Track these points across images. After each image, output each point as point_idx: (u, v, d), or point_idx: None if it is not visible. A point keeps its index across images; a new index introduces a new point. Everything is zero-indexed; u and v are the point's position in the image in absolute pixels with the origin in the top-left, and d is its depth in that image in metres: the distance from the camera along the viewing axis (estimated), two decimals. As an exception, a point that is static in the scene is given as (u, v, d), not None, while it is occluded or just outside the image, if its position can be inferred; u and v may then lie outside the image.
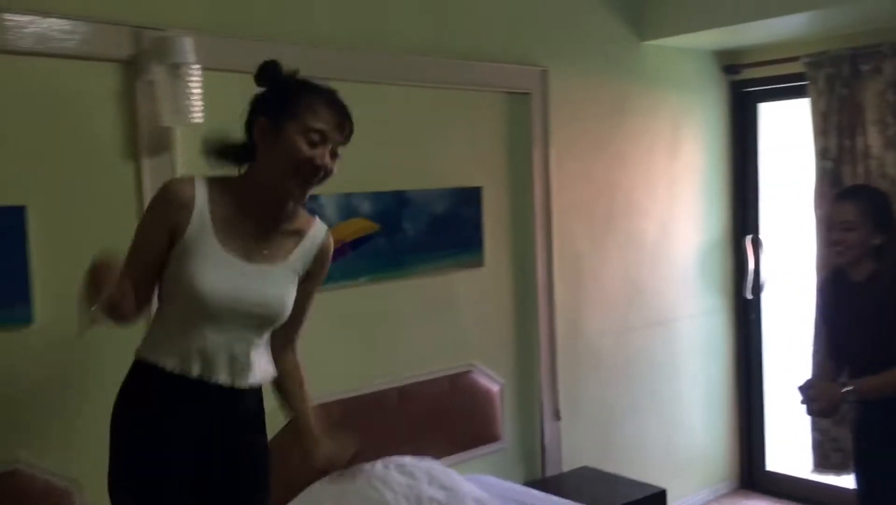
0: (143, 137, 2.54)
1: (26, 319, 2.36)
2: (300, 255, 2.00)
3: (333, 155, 1.90)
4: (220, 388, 1.88)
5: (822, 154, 4.04)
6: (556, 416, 3.74)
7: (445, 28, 3.32)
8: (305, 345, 2.90)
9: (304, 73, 2.08)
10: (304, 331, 2.32)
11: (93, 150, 2.50)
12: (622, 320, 4.06)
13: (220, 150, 1.96)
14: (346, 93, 2.93)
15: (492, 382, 3.53)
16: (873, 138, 3.89)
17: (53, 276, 2.40)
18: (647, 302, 4.17)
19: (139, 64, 2.50)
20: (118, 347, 2.38)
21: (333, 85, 2.84)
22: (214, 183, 1.91)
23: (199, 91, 2.48)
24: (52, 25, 2.38)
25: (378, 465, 3.00)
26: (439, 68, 3.27)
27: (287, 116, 1.85)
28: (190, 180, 1.89)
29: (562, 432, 3.77)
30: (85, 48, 2.44)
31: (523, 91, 3.57)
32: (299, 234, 2.00)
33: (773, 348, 4.63)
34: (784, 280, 4.59)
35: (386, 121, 3.15)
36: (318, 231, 2.05)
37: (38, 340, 2.39)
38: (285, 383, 2.13)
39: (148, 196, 2.50)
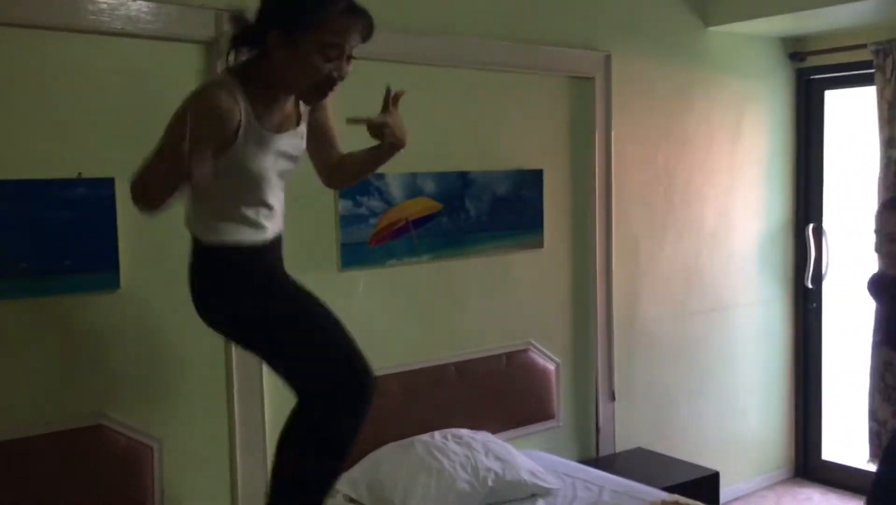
0: (222, 115, 2.68)
1: (114, 285, 2.52)
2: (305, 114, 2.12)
3: (349, 59, 1.92)
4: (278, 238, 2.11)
5: (887, 143, 4.00)
6: (612, 396, 3.81)
7: (511, 13, 3.39)
8: (370, 319, 3.04)
9: (372, 54, 2.19)
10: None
11: (175, 127, 2.64)
12: (679, 305, 4.10)
13: (239, 40, 1.98)
14: (414, 75, 3.07)
15: (548, 360, 3.60)
16: (941, 127, 3.86)
17: (137, 244, 2.56)
18: (705, 288, 4.19)
19: (220, 45, 2.63)
20: (192, 311, 2.55)
21: (399, 68, 2.98)
22: (243, 78, 1.93)
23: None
24: (141, 8, 2.52)
25: (436, 435, 3.11)
26: (504, 52, 3.34)
27: (302, 30, 1.84)
28: (231, 94, 1.88)
29: (616, 413, 3.83)
30: (170, 30, 2.58)
31: (586, 75, 3.62)
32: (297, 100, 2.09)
33: (832, 338, 4.61)
34: (846, 270, 4.55)
35: (452, 103, 3.24)
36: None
37: (124, 304, 2.55)
38: (357, 164, 2.27)
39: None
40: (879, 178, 4.04)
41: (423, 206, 3.19)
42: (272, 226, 2.07)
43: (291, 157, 2.08)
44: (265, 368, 2.62)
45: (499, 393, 3.45)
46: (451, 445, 3.06)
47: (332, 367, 2.09)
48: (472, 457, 3.01)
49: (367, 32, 1.93)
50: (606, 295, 3.76)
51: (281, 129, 2.02)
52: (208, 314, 2.10)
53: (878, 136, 4.05)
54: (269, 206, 2.05)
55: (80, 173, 2.45)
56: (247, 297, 2.05)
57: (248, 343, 2.18)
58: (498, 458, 3.05)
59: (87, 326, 2.50)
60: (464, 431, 3.18)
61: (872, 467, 4.16)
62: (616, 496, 3.03)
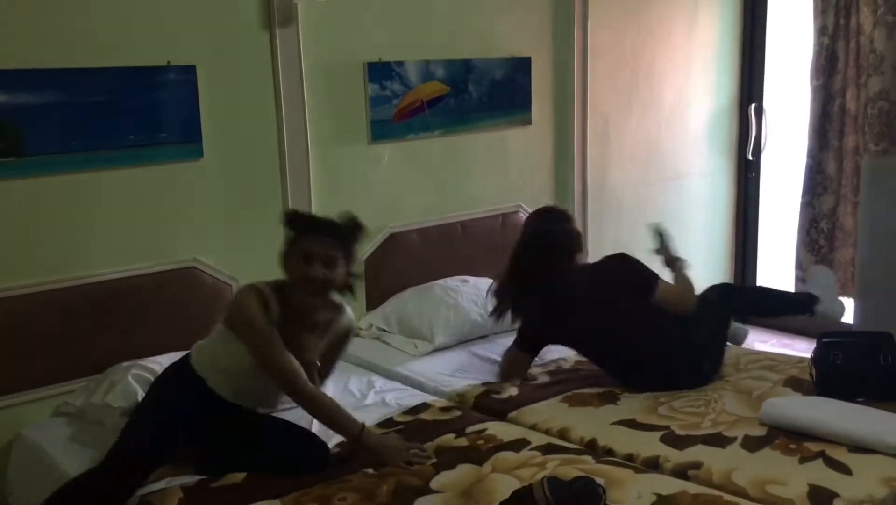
0: (275, 12, 3.19)
1: (199, 154, 3.09)
2: (323, 344, 2.63)
3: (330, 265, 2.43)
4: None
5: (820, 31, 4.64)
6: (585, 252, 4.51)
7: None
8: (393, 183, 3.65)
9: None
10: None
11: (239, 22, 3.16)
12: (641, 175, 4.78)
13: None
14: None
15: (535, 220, 4.28)
16: (865, 17, 4.49)
17: (216, 121, 3.11)
18: (663, 160, 4.87)
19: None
20: (262, 176, 3.14)
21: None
22: (275, 290, 2.46)
23: (323, -26, 3.11)
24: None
25: (448, 280, 3.79)
26: (499, -47, 3.87)
27: (292, 247, 2.46)
28: (259, 291, 2.43)
29: (589, 265, 4.56)
30: (232, -62, 3.07)
31: (567, -29, 4.17)
32: (328, 326, 2.60)
33: (768, 204, 5.37)
34: (782, 144, 5.27)
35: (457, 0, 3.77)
36: (341, 321, 2.65)
37: (207, 170, 3.13)
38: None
39: (281, 59, 3.21)
40: (812, 62, 4.70)
41: (434, 88, 3.76)
42: (253, 404, 2.54)
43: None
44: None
45: (495, 247, 4.08)
46: (463, 287, 3.73)
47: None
48: (481, 296, 3.67)
49: (332, 236, 2.47)
50: (582, 166, 4.42)
51: (291, 335, 2.46)
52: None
53: (812, 25, 4.69)
54: (259, 391, 2.51)
55: (168, 61, 2.98)
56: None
57: None
58: (500, 296, 3.74)
59: (182, 187, 3.09)
60: (470, 278, 3.87)
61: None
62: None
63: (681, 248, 5.04)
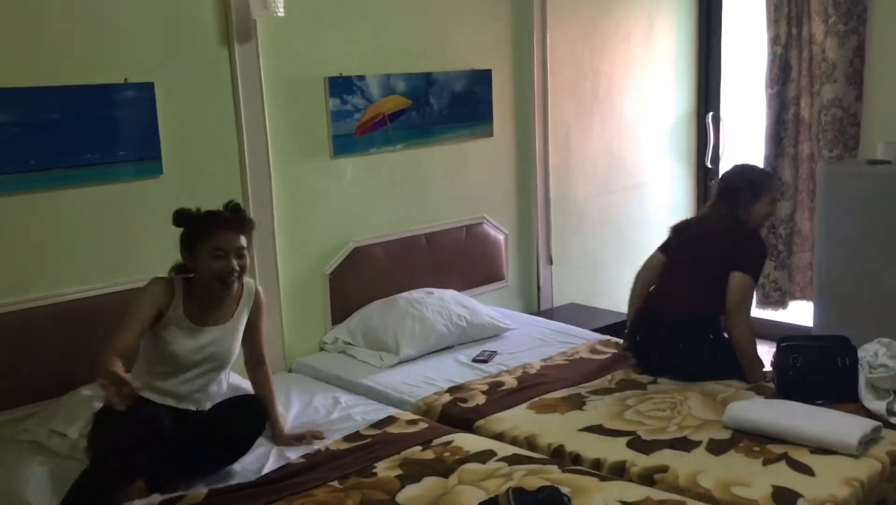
0: (234, 28, 3.18)
1: (158, 171, 3.06)
2: (242, 311, 2.70)
3: (241, 256, 2.55)
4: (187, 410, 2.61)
5: (773, 41, 4.74)
6: (550, 261, 4.56)
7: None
8: (356, 198, 3.66)
9: None
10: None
11: (198, 38, 3.14)
12: (603, 184, 4.84)
13: (178, 270, 2.64)
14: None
15: (498, 231, 4.31)
16: (817, 27, 4.60)
17: (175, 137, 3.09)
18: (624, 169, 4.93)
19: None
20: (221, 192, 3.13)
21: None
22: (186, 281, 2.59)
23: (281, -11, 3.11)
24: (165, -64, 2.98)
25: (413, 292, 3.79)
26: (458, -32, 3.90)
27: (195, 245, 2.53)
28: (167, 286, 2.55)
29: (553, 275, 4.59)
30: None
31: (526, -16, 4.22)
32: (238, 298, 2.68)
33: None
34: (739, 151, 5.36)
35: (417, 14, 3.81)
36: (249, 291, 2.71)
37: (167, 187, 3.10)
38: (261, 392, 2.81)
39: (240, 75, 3.20)
40: (766, 71, 4.80)
41: (396, 102, 3.77)
42: (179, 401, 2.57)
43: (211, 351, 2.60)
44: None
45: (460, 259, 4.14)
46: (427, 298, 3.73)
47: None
48: (446, 307, 3.70)
49: (242, 229, 2.58)
50: (544, 176, 4.46)
51: (208, 323, 2.59)
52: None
53: (765, 35, 4.79)
54: (184, 385, 2.57)
55: (126, 78, 2.95)
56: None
57: None
58: (465, 307, 3.76)
59: (141, 205, 3.05)
60: (434, 289, 3.88)
61: (759, 313, 5.08)
62: (556, 333, 3.80)
63: (643, 254, 5.14)
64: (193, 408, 2.62)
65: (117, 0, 2.94)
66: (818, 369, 2.85)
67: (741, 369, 3.08)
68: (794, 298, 5.01)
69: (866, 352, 2.87)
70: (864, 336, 3.05)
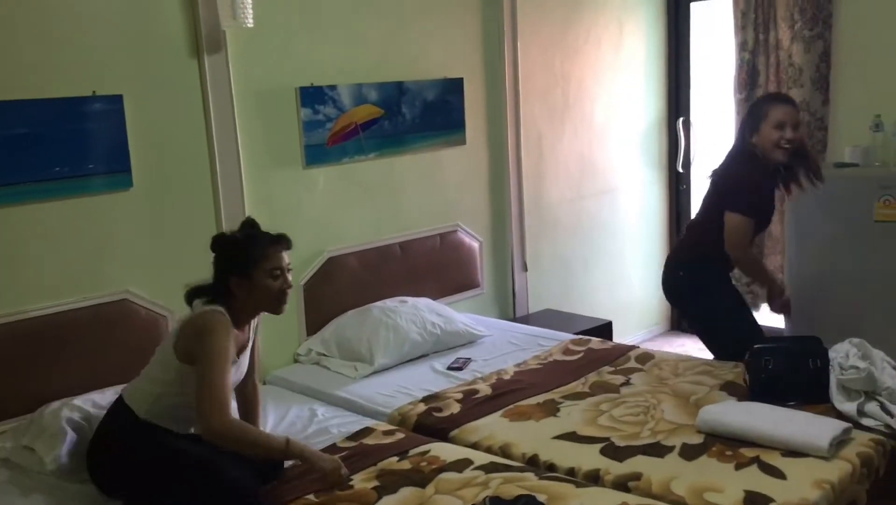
0: (203, 39, 3.17)
1: (128, 184, 3.04)
2: (252, 334, 2.62)
3: (289, 270, 2.52)
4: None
5: (741, 47, 4.80)
6: (524, 267, 4.57)
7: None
8: (329, 207, 3.65)
9: None
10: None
11: (166, 50, 3.13)
12: (576, 189, 4.86)
13: (197, 293, 2.49)
14: (355, 1, 3.61)
15: (473, 239, 4.32)
16: (783, 32, 4.67)
17: (145, 150, 3.07)
18: (596, 174, 4.96)
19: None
20: (193, 204, 3.10)
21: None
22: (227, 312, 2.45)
23: (250, 1, 3.10)
24: (132, -52, 2.97)
25: (387, 301, 3.79)
26: (428, -23, 3.92)
27: (251, 268, 2.44)
28: (223, 314, 2.41)
29: (528, 281, 4.61)
30: (157, -35, 3.04)
31: (496, -7, 4.24)
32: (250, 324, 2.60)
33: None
34: (709, 155, 5.41)
35: (387, 23, 3.81)
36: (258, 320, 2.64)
37: (138, 199, 3.08)
38: (251, 405, 2.76)
39: (210, 86, 3.18)
40: (734, 76, 4.85)
41: (368, 111, 3.77)
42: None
43: (239, 375, 2.56)
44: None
45: (434, 267, 4.14)
46: (401, 307, 3.73)
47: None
48: (420, 315, 3.70)
49: (288, 247, 2.54)
50: (517, 183, 4.48)
51: (238, 353, 2.52)
52: (110, 483, 2.45)
53: (733, 41, 4.84)
54: None
55: (94, 91, 2.93)
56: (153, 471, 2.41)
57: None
58: (440, 315, 3.76)
59: (111, 218, 3.03)
60: (409, 298, 3.87)
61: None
62: (531, 339, 3.80)
63: (616, 259, 5.20)
64: None
65: (85, 13, 2.91)
66: (790, 371, 2.87)
67: None
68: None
69: (837, 353, 2.90)
70: (836, 336, 3.08)
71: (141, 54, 3.06)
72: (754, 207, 3.30)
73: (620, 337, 4.92)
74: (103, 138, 2.96)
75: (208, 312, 2.41)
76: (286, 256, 2.52)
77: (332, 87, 3.61)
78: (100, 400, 2.78)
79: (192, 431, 2.51)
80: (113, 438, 2.48)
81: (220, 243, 2.52)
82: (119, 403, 2.52)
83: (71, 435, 2.60)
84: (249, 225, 2.57)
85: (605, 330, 4.37)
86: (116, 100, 2.97)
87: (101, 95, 2.94)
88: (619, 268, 5.20)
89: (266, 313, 2.61)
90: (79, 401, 2.76)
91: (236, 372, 2.53)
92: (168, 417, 2.46)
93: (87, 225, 2.98)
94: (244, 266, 2.45)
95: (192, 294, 2.50)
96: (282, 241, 2.53)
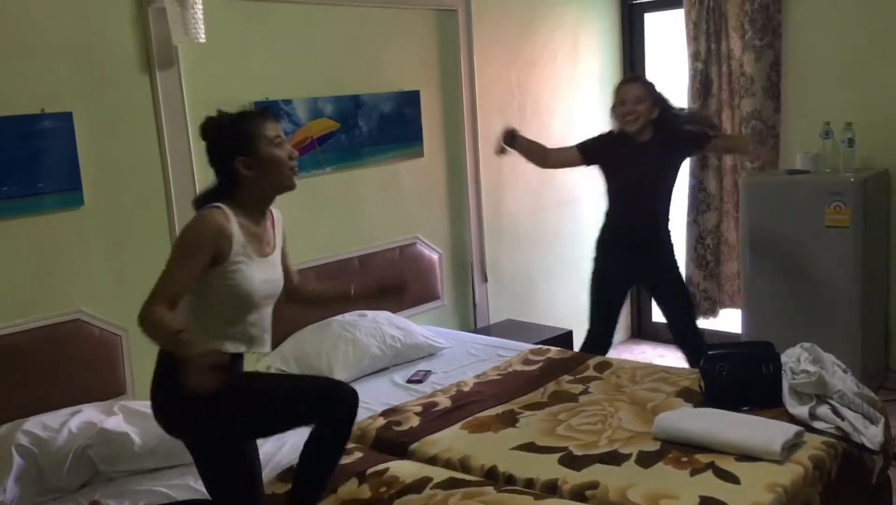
0: (155, 55, 3.15)
1: (79, 202, 3.00)
2: (279, 237, 2.48)
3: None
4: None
5: (693, 57, 4.88)
6: (484, 279, 4.59)
7: (385, -44, 3.96)
8: (286, 224, 3.61)
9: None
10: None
11: (117, 66, 3.09)
12: (536, 201, 4.89)
13: (206, 197, 2.33)
14: (311, 14, 3.62)
15: (432, 251, 4.32)
16: (735, 42, 4.76)
17: (96, 167, 3.04)
18: (556, 185, 4.99)
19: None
20: (146, 222, 3.08)
21: (302, 8, 3.53)
22: (232, 207, 2.27)
23: (201, 16, 3.09)
24: (80, -36, 2.94)
25: (346, 315, 3.77)
26: (382, -9, 3.93)
27: (255, 142, 2.26)
28: (225, 215, 2.23)
29: (489, 292, 4.62)
30: (105, -19, 3.02)
31: (450, 8, 4.26)
32: (272, 223, 2.45)
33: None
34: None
35: (342, 37, 3.81)
36: (278, 216, 2.50)
37: (89, 218, 3.04)
38: (321, 297, 2.85)
39: (162, 101, 3.16)
40: (688, 86, 4.93)
41: (324, 125, 3.77)
42: (250, 345, 2.36)
43: (274, 282, 2.39)
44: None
45: (394, 280, 4.13)
46: (361, 321, 3.72)
47: (318, 402, 2.39)
48: (379, 329, 3.69)
49: (277, 118, 2.39)
50: (476, 195, 4.50)
51: (266, 253, 2.36)
52: (182, 418, 2.28)
53: (686, 51, 4.92)
54: (252, 326, 2.33)
55: (42, 109, 2.89)
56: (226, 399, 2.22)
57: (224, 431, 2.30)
58: (399, 328, 3.76)
59: (62, 237, 2.98)
60: (368, 312, 3.86)
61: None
62: (491, 349, 3.82)
63: (577, 268, 5.22)
64: (265, 350, 2.44)
65: (32, 30, 2.88)
66: (743, 376, 2.91)
67: None
68: (723, 306, 5.14)
69: (789, 357, 2.95)
70: (790, 340, 3.14)
71: (91, 71, 3.03)
72: (584, 143, 3.90)
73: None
74: (53, 156, 2.92)
75: (206, 212, 2.25)
76: (277, 126, 2.35)
77: (288, 102, 3.61)
78: (51, 422, 2.73)
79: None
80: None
81: (216, 127, 2.32)
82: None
83: (18, 462, 2.56)
84: (220, 113, 2.36)
85: (565, 339, 4.40)
86: (66, 117, 2.94)
87: (49, 113, 2.90)
88: (580, 277, 5.19)
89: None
90: (29, 424, 2.71)
91: (273, 271, 2.38)
92: (215, 332, 2.29)
93: (38, 244, 2.94)
94: (247, 142, 2.27)
95: (202, 200, 2.34)
96: (268, 113, 2.36)
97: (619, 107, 3.70)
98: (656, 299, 4.01)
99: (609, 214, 3.90)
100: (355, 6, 3.84)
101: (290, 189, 2.37)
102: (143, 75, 3.16)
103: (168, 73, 3.19)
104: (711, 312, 5.13)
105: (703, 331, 4.01)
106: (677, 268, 3.90)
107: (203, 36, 3.11)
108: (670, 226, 3.89)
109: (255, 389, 2.43)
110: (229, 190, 2.30)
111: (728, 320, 5.10)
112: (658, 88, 3.74)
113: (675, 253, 3.90)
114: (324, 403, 2.38)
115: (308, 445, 2.41)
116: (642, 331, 5.66)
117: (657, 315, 5.54)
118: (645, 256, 3.77)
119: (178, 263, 2.19)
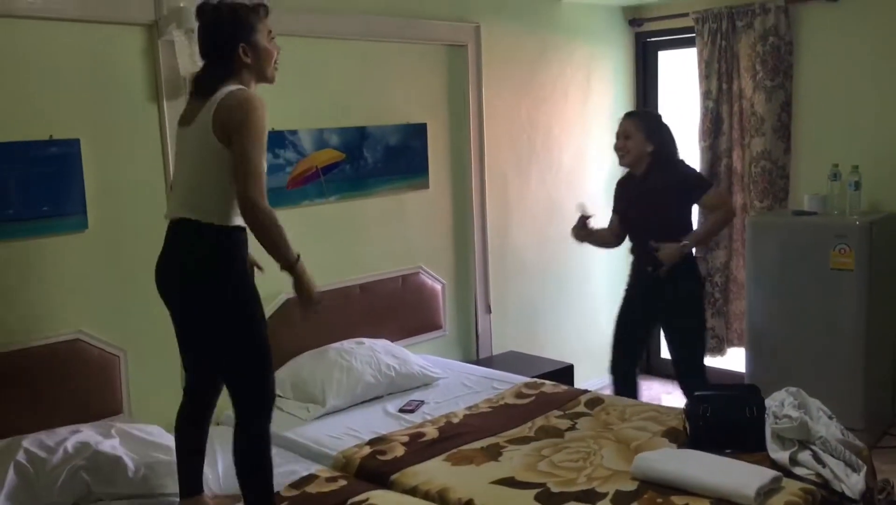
0: (163, 85, 3.26)
1: (83, 226, 3.10)
2: None
3: None
4: None
5: (705, 95, 4.90)
6: (488, 310, 4.62)
7: (396, -8, 4.06)
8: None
9: (287, 31, 3.04)
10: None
11: (126, 95, 3.21)
12: (543, 233, 4.93)
13: (211, 77, 2.47)
14: (319, 48, 3.72)
15: (435, 281, 4.37)
16: (746, 82, 4.77)
17: (101, 192, 3.14)
18: (564, 219, 4.98)
19: (160, 27, 3.20)
20: (149, 246, 3.15)
21: (309, 41, 3.63)
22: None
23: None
24: (93, -3, 3.07)
25: (345, 343, 3.83)
26: (391, 26, 4.01)
27: (254, 34, 2.46)
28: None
29: (492, 323, 4.66)
30: (118, 14, 3.14)
31: (460, 43, 4.34)
32: None
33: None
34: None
35: (350, 70, 3.90)
36: None
37: (93, 241, 3.14)
38: None
39: (169, 130, 3.26)
40: (699, 125, 4.94)
41: (329, 156, 3.85)
42: None
43: None
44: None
45: (396, 309, 4.19)
46: (358, 349, 3.77)
47: (268, 383, 2.56)
48: (375, 357, 3.73)
49: (267, 13, 2.56)
50: (482, 226, 4.54)
51: None
52: (202, 290, 2.45)
53: (698, 89, 4.94)
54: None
55: (51, 135, 3.00)
56: (247, 277, 2.52)
57: (222, 327, 2.47)
58: (395, 357, 3.80)
59: (65, 259, 3.08)
60: (366, 339, 3.91)
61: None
62: (486, 381, 3.84)
63: (583, 302, 5.23)
64: None
65: (43, 57, 3.00)
66: (727, 419, 2.91)
67: None
68: (731, 344, 5.11)
69: (774, 401, 2.95)
70: (793, 382, 3.14)
71: (100, 99, 3.15)
72: (613, 204, 4.02)
73: (584, 380, 4.95)
74: (59, 181, 3.03)
75: (245, 90, 2.40)
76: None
77: (293, 132, 3.70)
78: (49, 441, 2.80)
79: None
80: (219, 258, 2.45)
81: (221, 11, 2.46)
82: (191, 227, 2.45)
83: (11, 478, 2.62)
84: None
85: (565, 373, 4.41)
86: (73, 144, 3.05)
87: (58, 140, 3.01)
88: (586, 311, 5.25)
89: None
90: (28, 441, 2.78)
91: None
92: (231, 208, 2.43)
93: (41, 266, 3.04)
94: (249, 32, 2.45)
95: (208, 79, 2.45)
96: (264, 8, 2.52)
97: (615, 142, 3.79)
98: (665, 334, 3.97)
99: (630, 252, 3.97)
100: (364, 40, 3.93)
101: (270, 82, 2.56)
102: (151, 104, 3.27)
103: (176, 102, 3.29)
104: (719, 350, 5.11)
105: (705, 373, 3.90)
106: (689, 305, 3.79)
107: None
108: (688, 261, 3.78)
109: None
110: (225, 73, 2.44)
111: (735, 359, 5.06)
112: (655, 122, 3.77)
113: (692, 290, 3.79)
114: (264, 396, 2.52)
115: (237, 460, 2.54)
116: (650, 366, 5.64)
117: (665, 352, 5.53)
118: (658, 291, 3.76)
119: (260, 149, 2.33)
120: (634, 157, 3.71)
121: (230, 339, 2.48)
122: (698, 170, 4.07)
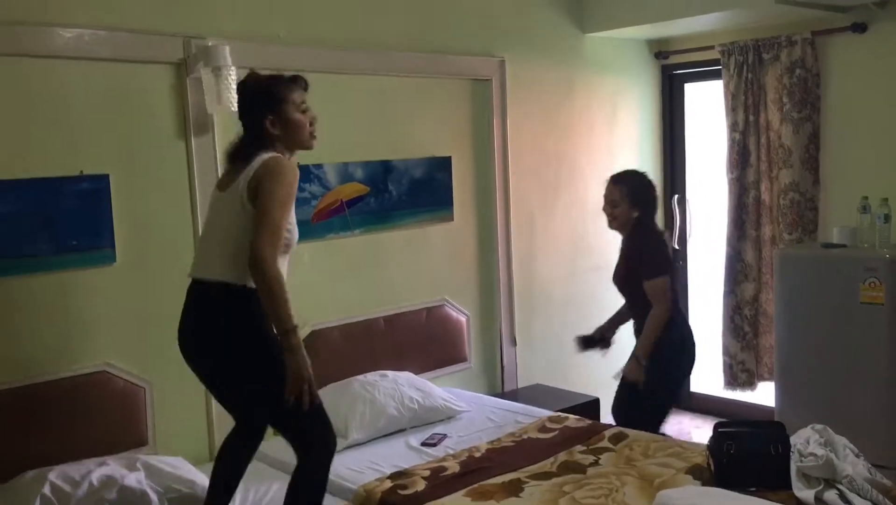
0: (191, 122, 3.33)
1: (111, 259, 3.17)
2: None
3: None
4: None
5: (732, 127, 4.88)
6: (513, 342, 4.61)
7: (420, 28, 4.11)
8: (313, 283, 3.74)
9: (311, 67, 3.09)
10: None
11: (155, 131, 3.28)
12: (569, 265, 4.92)
13: (242, 149, 2.63)
14: (345, 83, 3.77)
15: (460, 313, 4.38)
16: (773, 114, 4.75)
17: (130, 227, 3.21)
18: (590, 251, 5.01)
19: (189, 66, 3.28)
20: (176, 279, 3.22)
21: (333, 77, 3.69)
22: None
23: (234, 86, 3.26)
24: (124, 38, 3.15)
25: (368, 375, 3.84)
26: (416, 61, 4.07)
27: (283, 104, 2.60)
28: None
29: (518, 356, 4.64)
30: (147, 54, 3.22)
31: (485, 78, 4.38)
32: None
33: (696, 289, 5.52)
34: (705, 232, 5.45)
35: (375, 104, 3.95)
36: None
37: (120, 275, 3.20)
38: None
39: (196, 166, 3.32)
40: (727, 156, 4.92)
41: (354, 189, 3.90)
42: None
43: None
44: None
45: (420, 341, 4.19)
46: (381, 381, 3.78)
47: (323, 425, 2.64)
48: (398, 390, 3.74)
49: (306, 86, 2.70)
50: (507, 259, 4.55)
51: None
52: (221, 351, 2.54)
53: (725, 122, 4.93)
54: (284, 264, 2.56)
55: (81, 171, 3.08)
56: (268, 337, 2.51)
57: (264, 388, 2.54)
58: (419, 389, 3.80)
59: (93, 292, 3.15)
60: (389, 372, 3.91)
61: (727, 394, 5.11)
62: (510, 415, 3.82)
63: (614, 335, 5.19)
64: None
65: (74, 94, 3.08)
66: (751, 456, 2.86)
67: None
68: (762, 378, 5.03)
69: (799, 438, 2.89)
70: (822, 417, 3.09)
71: (129, 135, 3.22)
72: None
73: (610, 414, 4.89)
74: (89, 215, 3.10)
75: (277, 157, 2.53)
76: (304, 94, 2.65)
77: (318, 166, 3.75)
78: (75, 473, 2.83)
79: None
80: (255, 318, 2.50)
81: (252, 84, 2.63)
82: (222, 290, 2.51)
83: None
84: (257, 73, 2.69)
85: (591, 407, 4.37)
86: (103, 179, 3.12)
87: (87, 175, 3.09)
88: (613, 343, 5.19)
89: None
90: (54, 474, 2.81)
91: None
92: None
93: (69, 299, 3.10)
94: (278, 102, 2.58)
95: (241, 150, 2.60)
96: (299, 80, 2.65)
97: (605, 206, 3.82)
98: None
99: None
100: (389, 76, 3.99)
101: (308, 149, 2.72)
102: (179, 141, 3.34)
103: (203, 139, 3.36)
104: (749, 384, 5.04)
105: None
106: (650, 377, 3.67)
107: (235, 104, 3.27)
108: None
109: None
110: (259, 143, 2.57)
111: (765, 393, 4.98)
112: (640, 186, 3.73)
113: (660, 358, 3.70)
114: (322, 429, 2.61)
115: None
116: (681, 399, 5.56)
117: (695, 386, 5.47)
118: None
119: (283, 210, 2.43)
120: (620, 224, 3.75)
121: (276, 400, 2.51)
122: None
